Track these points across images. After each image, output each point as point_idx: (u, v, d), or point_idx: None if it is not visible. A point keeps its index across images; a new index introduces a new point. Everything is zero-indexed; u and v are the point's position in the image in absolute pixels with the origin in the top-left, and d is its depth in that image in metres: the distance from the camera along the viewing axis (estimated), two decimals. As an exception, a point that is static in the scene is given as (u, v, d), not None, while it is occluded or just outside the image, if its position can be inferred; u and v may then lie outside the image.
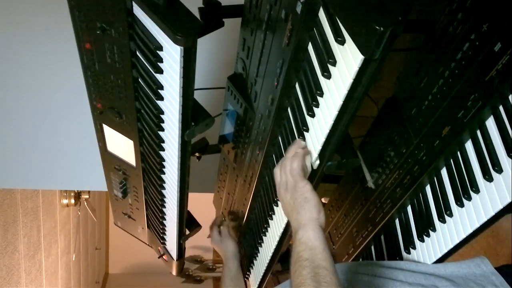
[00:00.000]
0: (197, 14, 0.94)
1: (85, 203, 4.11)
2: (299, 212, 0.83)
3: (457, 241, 0.94)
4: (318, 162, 0.87)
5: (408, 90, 1.06)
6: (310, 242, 0.77)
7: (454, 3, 0.90)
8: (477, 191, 0.88)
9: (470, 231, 0.90)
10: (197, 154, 1.55)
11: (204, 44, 1.61)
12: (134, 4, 0.82)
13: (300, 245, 0.78)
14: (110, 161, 1.36)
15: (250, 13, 0.98)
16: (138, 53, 0.92)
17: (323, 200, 2.06)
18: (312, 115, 0.84)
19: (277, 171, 0.92)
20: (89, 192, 3.97)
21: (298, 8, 0.77)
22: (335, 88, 0.75)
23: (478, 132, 0.88)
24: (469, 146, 0.91)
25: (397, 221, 1.18)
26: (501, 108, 0.83)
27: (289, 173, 0.87)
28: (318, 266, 0.73)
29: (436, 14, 1.00)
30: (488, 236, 2.07)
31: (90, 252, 4.86)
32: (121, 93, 1.05)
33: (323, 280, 0.71)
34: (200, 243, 5.69)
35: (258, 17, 0.94)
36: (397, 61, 1.55)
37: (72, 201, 3.65)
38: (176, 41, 0.78)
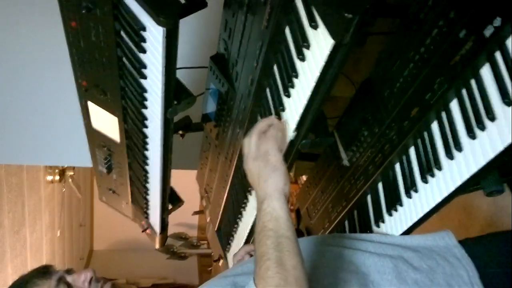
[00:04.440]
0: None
1: (70, 180, 4.13)
2: (266, 180, 0.85)
3: (421, 214, 1.01)
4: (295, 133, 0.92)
5: (382, 73, 1.12)
6: (275, 212, 0.80)
7: (426, -11, 0.95)
8: (440, 168, 0.94)
9: (432, 205, 0.97)
10: (180, 132, 1.59)
11: (188, 24, 1.63)
12: (118, -15, 0.85)
13: (266, 215, 0.81)
14: (95, 137, 1.40)
15: (231, -4, 1.02)
16: (122, 33, 0.95)
17: (302, 178, 2.13)
18: (288, 95, 0.89)
19: (246, 140, 0.93)
20: (73, 168, 3.99)
21: (276, -7, 0.81)
22: (309, 70, 0.80)
23: (443, 113, 0.94)
24: (434, 126, 0.97)
25: (369, 197, 1.24)
26: (463, 91, 0.89)
27: (263, 141, 0.89)
28: (281, 236, 0.77)
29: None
30: (460, 213, 2.17)
31: (74, 228, 4.90)
32: (105, 71, 1.08)
33: (286, 249, 0.75)
34: (184, 220, 5.77)
35: (239, -1, 0.98)
36: (379, 44, 1.59)
37: (57, 177, 3.67)
38: (159, 23, 0.82)
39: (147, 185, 1.45)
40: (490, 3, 0.79)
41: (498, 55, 0.81)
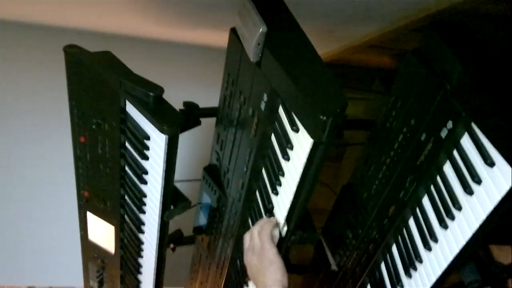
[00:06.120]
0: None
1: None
2: (264, 274, 0.92)
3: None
4: (286, 227, 0.99)
5: (359, 177, 1.23)
6: None
7: (389, 103, 1.11)
8: (421, 261, 1.01)
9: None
10: (171, 245, 1.63)
11: (183, 141, 1.78)
12: (127, 102, 1.00)
13: None
14: (89, 250, 1.44)
15: (223, 112, 1.17)
16: (127, 144, 1.07)
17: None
18: (276, 193, 0.99)
19: (246, 236, 1.02)
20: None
21: (262, 106, 0.96)
22: (293, 168, 0.91)
23: (417, 209, 1.04)
24: (411, 221, 1.06)
25: (359, 300, 1.27)
26: (432, 187, 1.00)
27: (257, 237, 0.98)
28: None
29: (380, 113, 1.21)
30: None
31: None
32: (107, 181, 1.18)
33: None
34: None
35: (230, 115, 1.13)
36: (356, 158, 1.74)
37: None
38: (162, 131, 0.94)
39: (139, 298, 1.45)
40: (442, 110, 0.94)
41: (455, 153, 0.93)
